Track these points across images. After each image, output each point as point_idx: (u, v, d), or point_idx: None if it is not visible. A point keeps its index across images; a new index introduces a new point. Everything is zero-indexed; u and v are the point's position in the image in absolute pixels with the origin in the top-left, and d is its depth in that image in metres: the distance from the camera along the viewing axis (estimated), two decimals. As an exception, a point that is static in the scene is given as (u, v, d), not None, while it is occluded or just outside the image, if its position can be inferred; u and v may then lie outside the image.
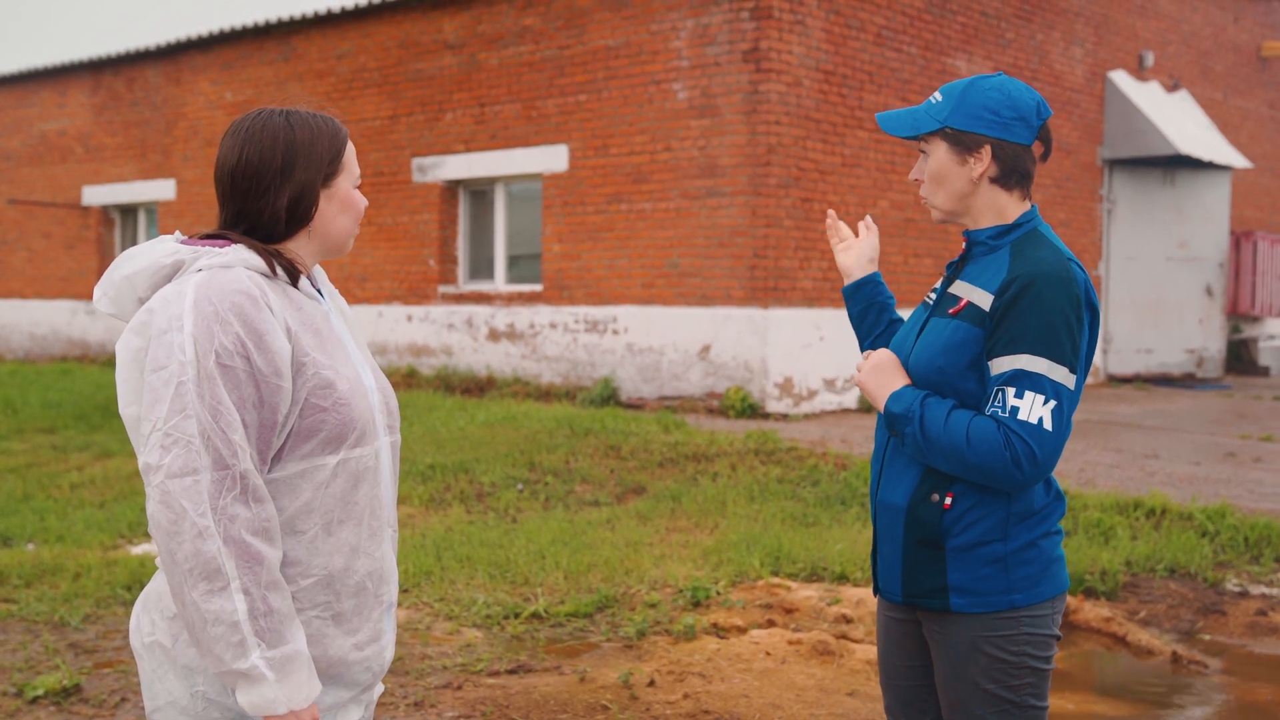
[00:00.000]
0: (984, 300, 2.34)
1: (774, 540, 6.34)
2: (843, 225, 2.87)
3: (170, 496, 1.78)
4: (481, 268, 13.33)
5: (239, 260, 1.94)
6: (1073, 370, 2.27)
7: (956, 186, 2.42)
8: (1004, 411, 2.24)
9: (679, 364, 11.24)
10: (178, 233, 2.08)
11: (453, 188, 13.27)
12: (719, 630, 5.20)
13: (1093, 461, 8.69)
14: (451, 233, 13.30)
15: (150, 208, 16.77)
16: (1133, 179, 15.07)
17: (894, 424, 2.38)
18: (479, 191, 13.30)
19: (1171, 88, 15.74)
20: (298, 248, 2.05)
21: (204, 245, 1.99)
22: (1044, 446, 2.22)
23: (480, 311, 12.83)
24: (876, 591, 2.56)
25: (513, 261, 13.08)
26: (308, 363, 1.92)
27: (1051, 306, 2.26)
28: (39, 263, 18.00)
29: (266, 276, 1.97)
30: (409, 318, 13.46)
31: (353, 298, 14.01)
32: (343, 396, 1.95)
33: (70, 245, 17.56)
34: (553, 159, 12.16)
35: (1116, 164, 14.91)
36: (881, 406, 2.41)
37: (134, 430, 1.89)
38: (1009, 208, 2.42)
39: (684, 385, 11.20)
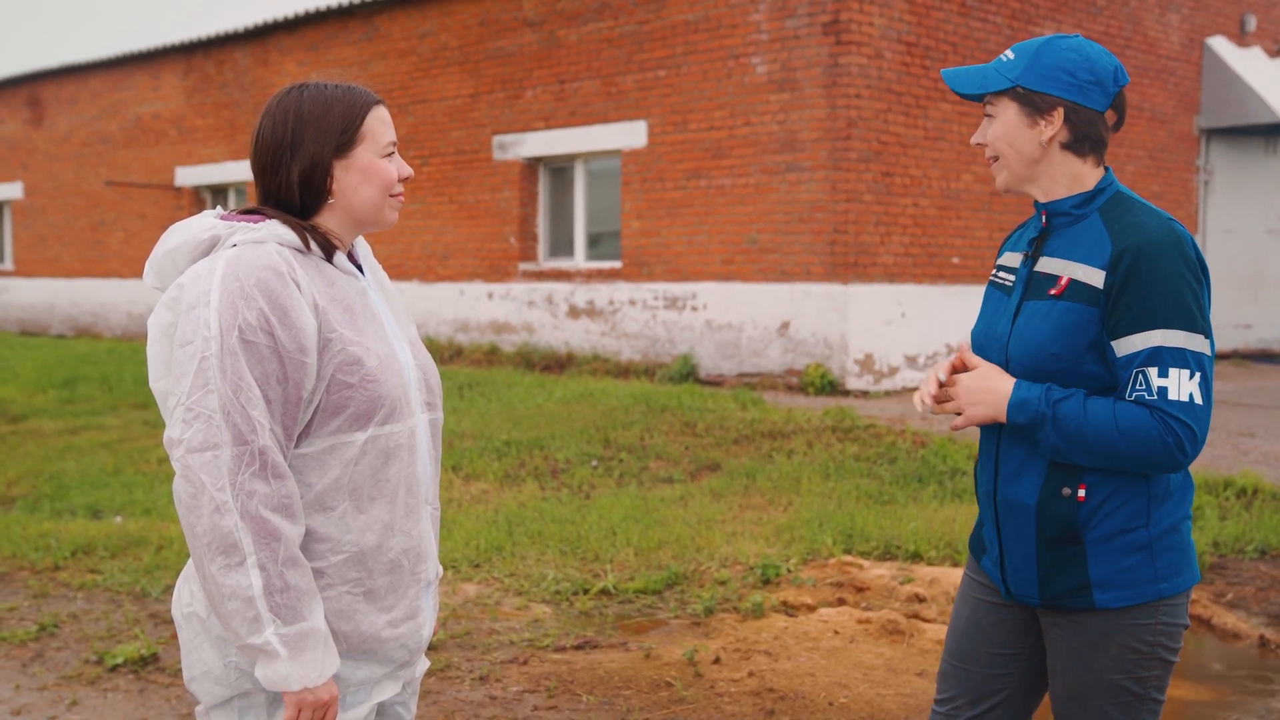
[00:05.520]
0: (1092, 276, 2.19)
1: (847, 518, 6.26)
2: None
3: (190, 471, 1.80)
4: (561, 245, 13.36)
5: (271, 236, 1.95)
6: (1207, 336, 2.15)
7: (1025, 151, 2.28)
8: (1151, 394, 2.11)
9: (758, 340, 11.16)
10: (218, 208, 2.09)
11: (533, 165, 13.30)
12: (788, 608, 5.15)
13: (1183, 440, 8.44)
14: (532, 210, 13.35)
15: (240, 188, 17.10)
16: (1231, 149, 14.57)
17: (1024, 433, 2.24)
18: (559, 169, 13.32)
19: (1275, 53, 15.17)
20: (329, 221, 2.04)
21: (240, 221, 1.99)
22: (1200, 423, 2.12)
23: (560, 289, 12.86)
24: (1008, 596, 2.39)
25: (592, 238, 13.09)
26: (334, 338, 1.92)
27: (1172, 274, 2.13)
28: (136, 243, 18.47)
29: (300, 251, 1.97)
30: (490, 295, 13.55)
31: (435, 275, 14.15)
32: (371, 373, 1.94)
33: (165, 226, 17.96)
34: (632, 135, 12.12)
35: (1214, 133, 14.43)
36: (1004, 421, 2.26)
37: (163, 404, 1.90)
38: (1085, 175, 2.28)
39: (763, 362, 11.12)
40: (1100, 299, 2.18)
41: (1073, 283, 2.22)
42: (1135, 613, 2.23)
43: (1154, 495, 2.22)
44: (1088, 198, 2.28)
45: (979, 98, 2.36)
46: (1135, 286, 2.14)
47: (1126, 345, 2.15)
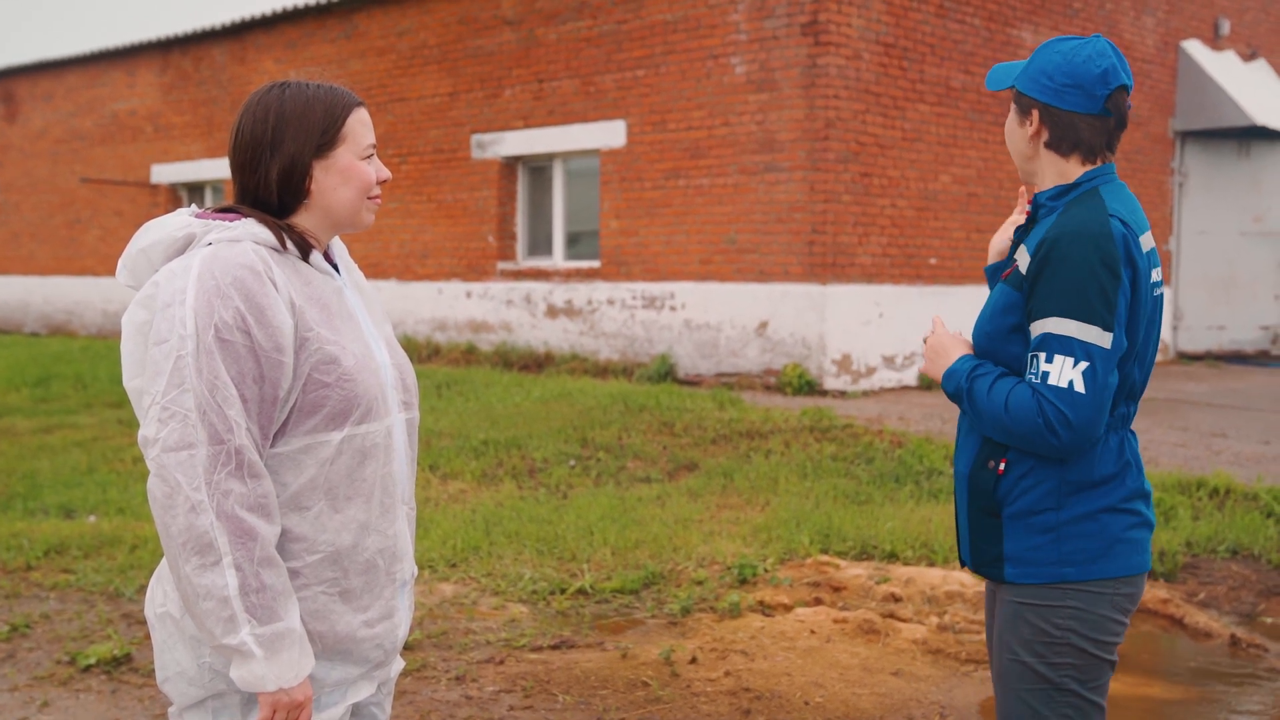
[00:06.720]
0: (1025, 263, 2.32)
1: (824, 518, 6.28)
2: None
3: (166, 470, 1.79)
4: (540, 244, 13.35)
5: (247, 234, 1.94)
6: (1106, 328, 2.20)
7: (1018, 147, 2.45)
8: (1037, 377, 2.23)
9: (736, 340, 11.18)
10: (193, 206, 2.08)
11: (511, 164, 13.29)
12: (765, 608, 5.16)
13: (1157, 440, 8.51)
14: (510, 209, 13.33)
15: (217, 185, 17.02)
16: (1205, 151, 14.68)
17: (953, 401, 2.40)
18: (537, 168, 13.31)
19: (1249, 56, 15.30)
20: (306, 221, 2.04)
21: (216, 219, 1.99)
22: (1077, 409, 2.18)
23: (538, 288, 12.85)
24: (961, 562, 2.56)
25: (571, 238, 13.08)
26: (311, 338, 1.91)
27: (1078, 265, 2.21)
28: (111, 241, 18.35)
29: (276, 250, 1.97)
30: (468, 294, 13.52)
31: (413, 274, 14.11)
32: (347, 372, 1.94)
33: (140, 223, 17.81)
34: (610, 135, 12.12)
35: (1189, 136, 14.54)
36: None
37: (137, 403, 1.89)
38: (1069, 171, 2.38)
39: (741, 362, 11.14)
40: (1024, 285, 2.30)
41: (1015, 268, 2.35)
42: (1043, 593, 2.31)
43: (1067, 480, 2.29)
44: (1062, 191, 2.37)
45: None
46: (1045, 275, 2.24)
47: (1032, 330, 2.27)
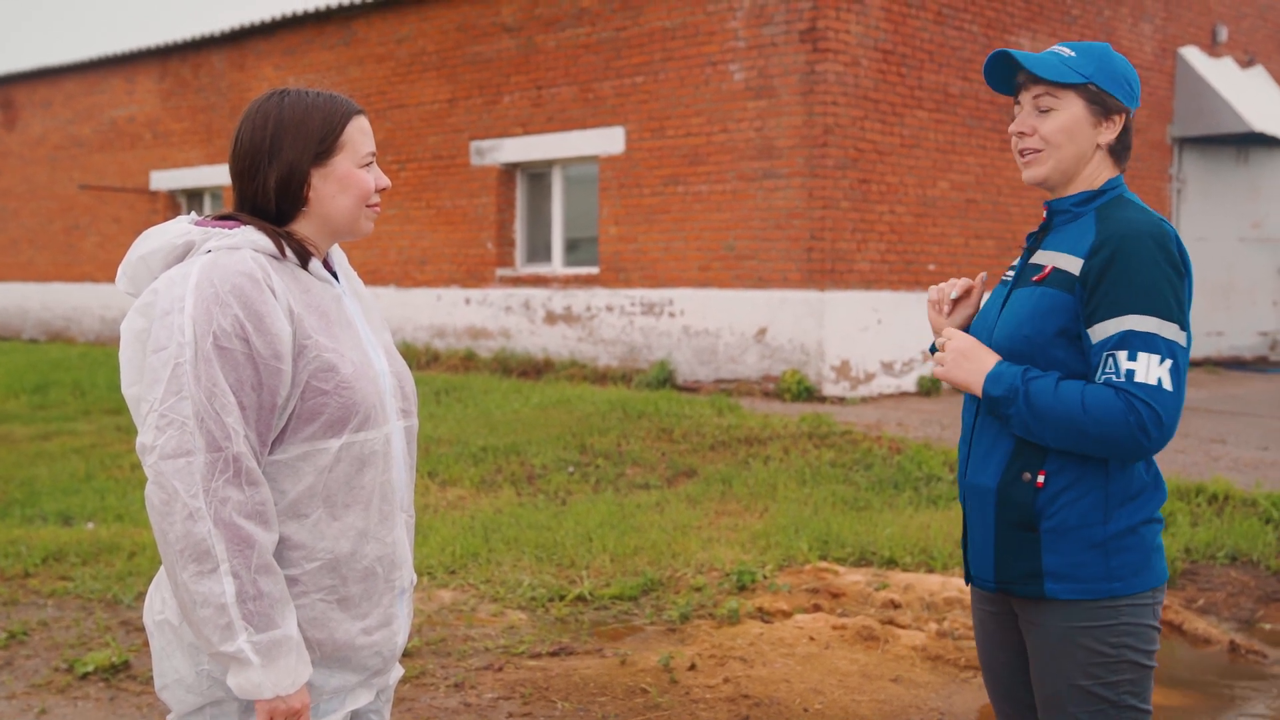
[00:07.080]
0: (1072, 264, 2.23)
1: (823, 524, 6.28)
2: (952, 288, 2.56)
3: (163, 477, 1.79)
4: (539, 250, 13.35)
5: (247, 242, 1.94)
6: (1182, 327, 2.16)
7: (1081, 147, 2.30)
8: (1119, 376, 2.13)
9: (735, 347, 11.18)
10: (192, 213, 2.08)
11: (510, 170, 13.30)
12: (763, 614, 5.16)
13: (1156, 446, 8.50)
14: (509, 216, 13.34)
15: (215, 192, 17.02)
16: (1203, 158, 14.70)
17: (996, 407, 2.25)
18: (536, 174, 13.32)
19: (1246, 63, 15.32)
20: (305, 229, 2.04)
21: (215, 226, 1.99)
22: (1167, 408, 2.11)
23: (537, 294, 12.85)
24: (968, 580, 2.43)
25: (570, 244, 13.09)
26: (309, 345, 1.91)
27: (1150, 263, 2.15)
28: (110, 247, 18.35)
29: (275, 258, 1.97)
30: (467, 301, 13.53)
31: (412, 280, 14.11)
32: (345, 380, 1.94)
33: (139, 230, 17.84)
34: (609, 141, 12.13)
35: (1186, 142, 14.56)
36: (979, 392, 2.28)
37: (135, 410, 1.90)
38: (1100, 177, 2.32)
39: (740, 368, 11.14)
40: (1075, 286, 2.22)
41: (1055, 270, 2.26)
42: (1094, 613, 2.23)
43: (1111, 494, 2.23)
44: (1089, 196, 2.31)
45: (1009, 87, 2.38)
46: (1112, 274, 2.16)
47: (1101, 331, 2.17)
